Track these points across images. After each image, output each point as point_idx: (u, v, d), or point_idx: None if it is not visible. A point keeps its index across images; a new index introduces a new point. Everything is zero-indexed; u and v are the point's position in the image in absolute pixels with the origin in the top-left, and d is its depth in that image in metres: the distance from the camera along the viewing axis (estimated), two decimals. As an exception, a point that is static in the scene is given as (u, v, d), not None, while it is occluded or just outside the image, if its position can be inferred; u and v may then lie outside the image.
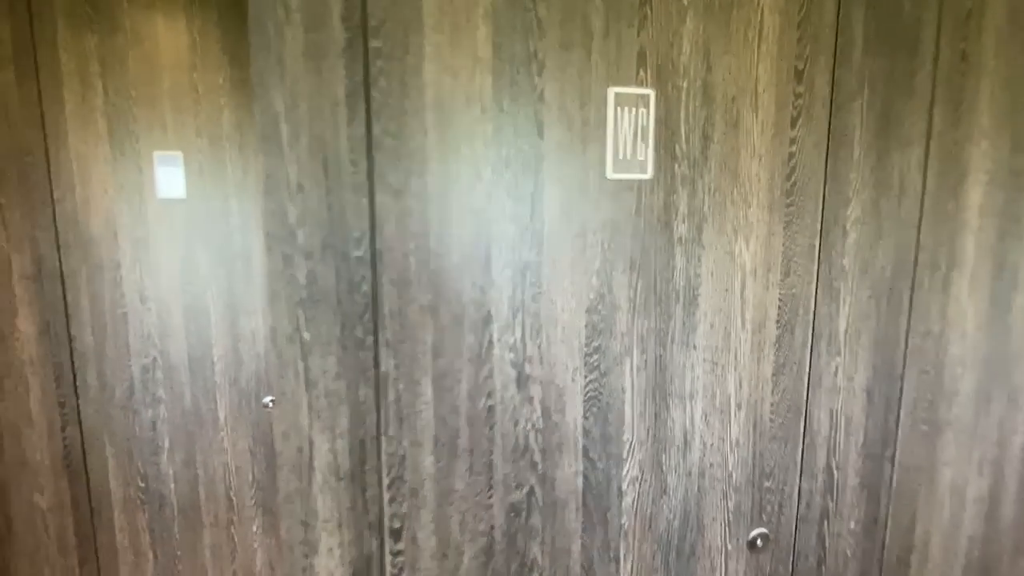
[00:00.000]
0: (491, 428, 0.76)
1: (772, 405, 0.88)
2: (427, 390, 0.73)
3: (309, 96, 0.64)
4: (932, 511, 1.00)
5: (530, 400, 0.78)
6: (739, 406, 0.87)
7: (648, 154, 0.76)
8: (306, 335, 0.68)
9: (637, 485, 0.84)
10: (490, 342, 0.75)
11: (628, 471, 0.84)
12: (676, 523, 0.87)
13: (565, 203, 0.75)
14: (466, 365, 0.74)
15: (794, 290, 0.86)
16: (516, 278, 0.75)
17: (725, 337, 0.84)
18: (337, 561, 0.73)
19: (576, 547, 0.83)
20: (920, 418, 0.96)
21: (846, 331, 0.90)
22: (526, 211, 0.73)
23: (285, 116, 0.64)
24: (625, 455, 0.83)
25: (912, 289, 0.92)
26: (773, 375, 0.88)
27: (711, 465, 0.87)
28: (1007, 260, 0.95)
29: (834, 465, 0.94)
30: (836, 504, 0.96)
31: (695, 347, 0.83)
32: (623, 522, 0.84)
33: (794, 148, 0.83)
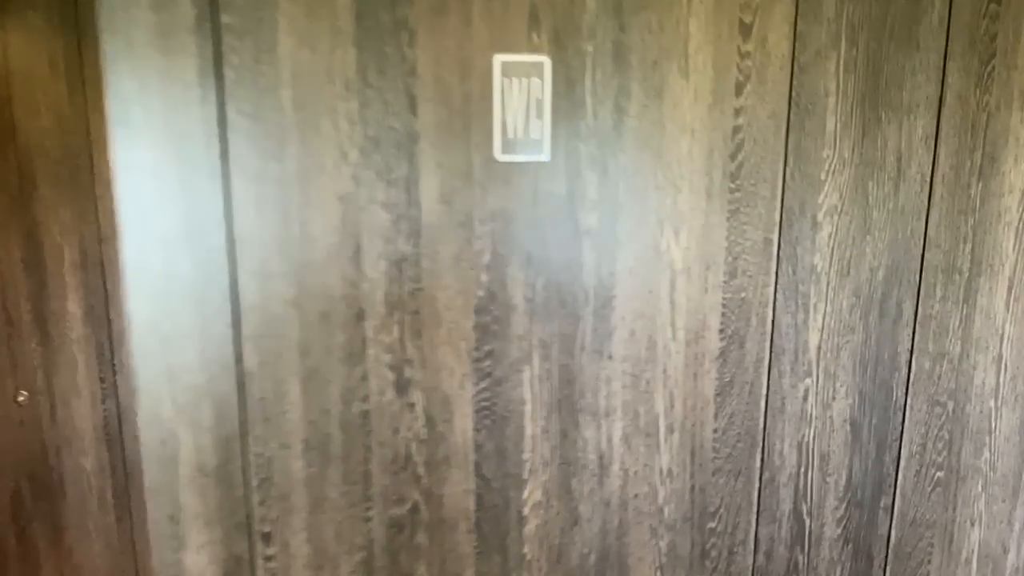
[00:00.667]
0: (367, 435, 0.70)
1: (716, 432, 0.74)
2: (294, 390, 0.69)
3: (160, 77, 0.62)
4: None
5: (411, 407, 0.70)
6: (671, 429, 0.73)
7: (545, 132, 0.66)
8: (166, 326, 0.66)
9: (542, 511, 0.74)
10: (363, 341, 0.69)
11: (530, 494, 0.73)
12: (593, 559, 0.76)
13: (446, 189, 0.67)
14: (337, 365, 0.69)
15: (743, 294, 0.71)
16: (392, 272, 0.68)
17: (650, 347, 0.71)
18: (207, 559, 0.70)
19: (470, 573, 0.74)
20: (932, 461, 0.76)
21: (819, 347, 0.73)
22: (401, 198, 0.66)
23: (137, 99, 0.62)
24: (525, 476, 0.73)
25: (917, 298, 0.72)
26: (716, 395, 0.73)
27: (635, 496, 0.75)
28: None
29: (804, 510, 0.77)
30: (808, 558, 0.78)
31: (611, 357, 0.71)
32: (525, 551, 0.74)
33: (741, 120, 0.68)
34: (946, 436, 0.76)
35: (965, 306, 0.73)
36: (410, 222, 0.67)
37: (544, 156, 0.66)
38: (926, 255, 0.71)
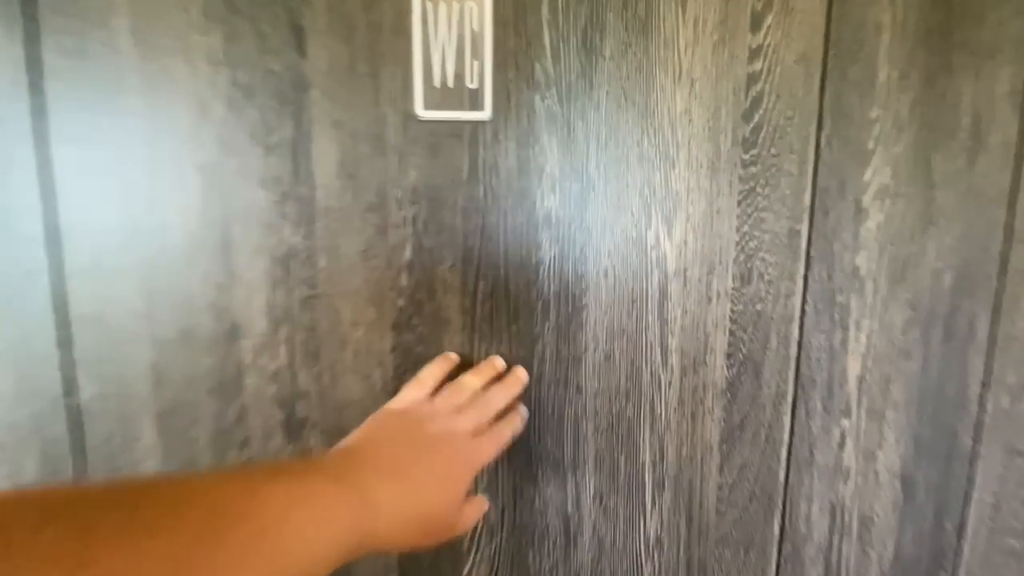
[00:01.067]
0: (249, 492, 0.52)
1: (721, 489, 0.55)
2: (148, 432, 0.51)
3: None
4: None
5: (309, 452, 0.52)
6: (660, 486, 0.55)
7: (485, 80, 0.47)
8: (-34, 343, 0.48)
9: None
10: (239, 367, 0.50)
11: (471, 569, 0.55)
12: None
13: (348, 158, 0.48)
14: (205, 399, 0.51)
15: (759, 306, 0.52)
16: (276, 271, 0.49)
17: (633, 377, 0.53)
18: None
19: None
20: (1007, 528, 0.57)
21: (861, 378, 0.54)
22: (285, 168, 0.48)
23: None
24: (465, 548, 0.54)
25: (997, 312, 0.54)
26: (722, 442, 0.54)
27: (613, 574, 0.56)
28: None
29: None
30: None
31: (579, 390, 0.53)
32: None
33: (759, 66, 0.49)
34: None
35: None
36: (299, 203, 0.49)
37: (485, 113, 0.48)
38: (1011, 255, 0.52)
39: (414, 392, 0.45)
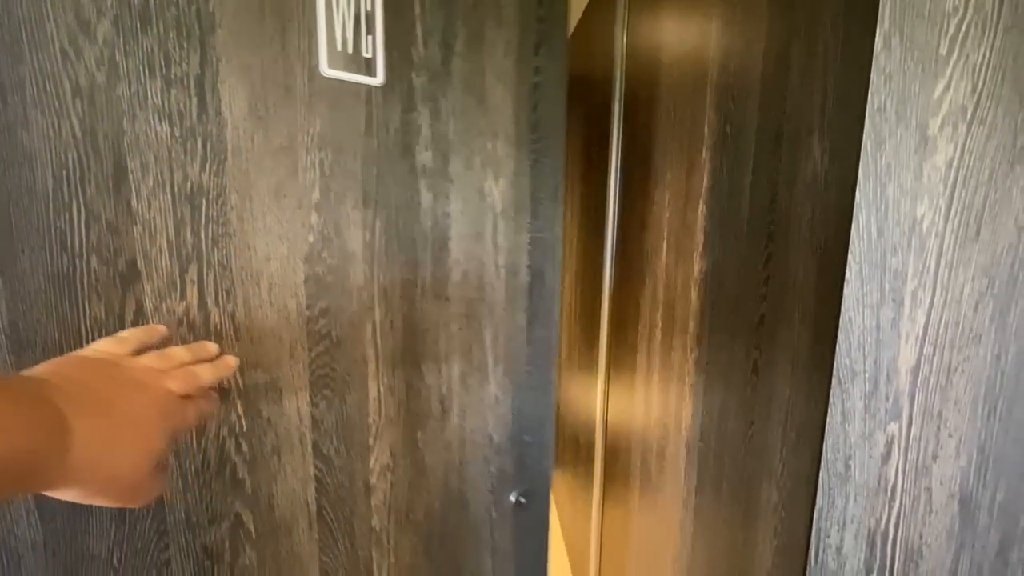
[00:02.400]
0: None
1: (527, 357, 0.84)
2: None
3: None
4: None
5: (223, 394, 0.53)
6: (496, 361, 0.79)
7: (377, 51, 0.59)
8: None
9: (389, 475, 0.68)
10: (141, 312, 0.47)
11: (376, 460, 0.67)
12: (437, 505, 0.75)
13: (258, 99, 0.51)
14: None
15: (542, 234, 0.82)
16: (183, 210, 0.48)
17: (480, 288, 0.75)
18: None
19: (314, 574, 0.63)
20: None
21: (917, 369, 0.45)
22: (190, 103, 0.47)
23: None
24: (372, 442, 0.66)
25: None
26: (528, 324, 0.83)
27: (472, 431, 0.78)
28: None
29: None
30: None
31: (447, 299, 0.71)
32: (375, 524, 0.68)
33: (540, 79, 0.76)
34: None
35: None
36: (208, 141, 0.49)
37: (377, 80, 0.59)
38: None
39: (111, 345, 0.39)
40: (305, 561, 0.62)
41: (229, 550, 0.55)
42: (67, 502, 0.39)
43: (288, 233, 0.55)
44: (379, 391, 0.66)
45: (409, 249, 0.66)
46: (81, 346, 0.43)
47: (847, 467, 0.45)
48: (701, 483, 0.80)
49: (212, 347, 0.43)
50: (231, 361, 0.43)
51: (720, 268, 0.73)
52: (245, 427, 0.55)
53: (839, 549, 0.46)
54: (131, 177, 0.45)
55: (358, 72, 0.57)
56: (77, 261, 0.43)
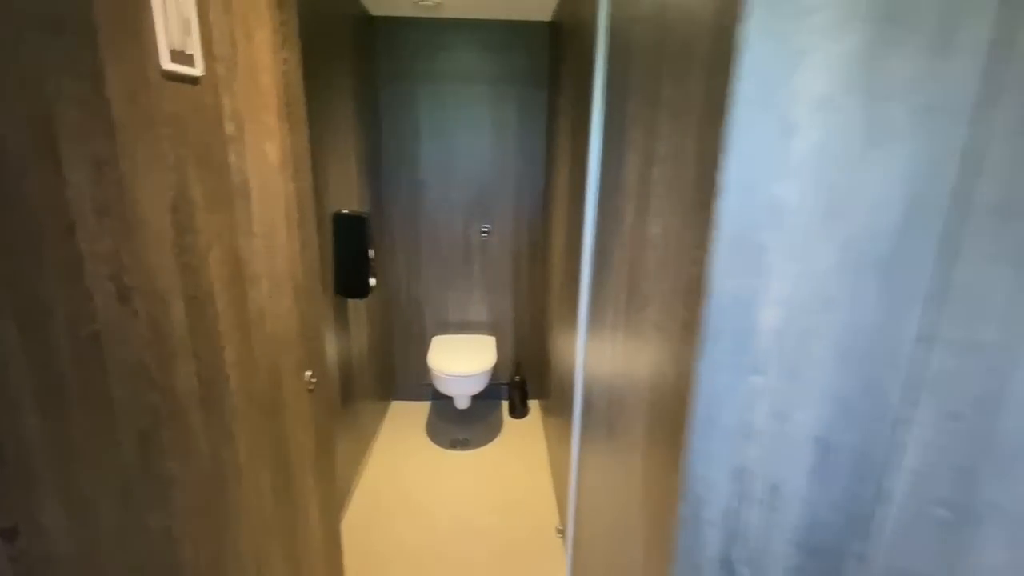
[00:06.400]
0: (100, 353, 0.65)
1: (304, 272, 1.16)
2: (10, 333, 0.54)
3: None
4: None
5: (135, 315, 0.70)
6: (288, 278, 1.09)
7: (196, 48, 0.79)
8: None
9: (238, 367, 0.94)
10: (79, 257, 0.62)
11: (228, 356, 0.91)
12: (263, 375, 1.03)
13: (130, 89, 0.68)
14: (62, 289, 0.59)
15: (304, 183, 1.13)
16: (93, 174, 0.63)
17: (272, 224, 1.02)
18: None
19: (203, 441, 0.85)
20: (936, 497, 0.56)
21: (779, 331, 0.53)
22: (86, 90, 0.62)
23: None
24: (223, 343, 0.90)
25: (948, 255, 0.49)
26: (301, 249, 1.14)
27: (273, 331, 1.07)
28: None
29: (739, 558, 0.60)
30: None
31: (255, 234, 0.97)
32: (235, 403, 0.93)
33: (286, 67, 1.05)
34: (962, 462, 0.54)
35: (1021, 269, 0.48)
36: (105, 121, 0.64)
37: (198, 71, 0.79)
38: (973, 186, 0.45)
39: None
40: (196, 435, 0.84)
41: (154, 431, 0.74)
42: None
43: (159, 190, 0.73)
44: (223, 306, 0.89)
45: (227, 199, 0.89)
46: None
47: (714, 412, 0.52)
48: (645, 428, 0.80)
49: None
50: None
51: (665, 233, 0.72)
52: (151, 337, 0.73)
53: (707, 481, 0.53)
54: (63, 151, 0.58)
55: (187, 65, 0.77)
56: (39, 215, 0.56)
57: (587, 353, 1.38)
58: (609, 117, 1.09)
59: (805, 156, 0.47)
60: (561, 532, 2.04)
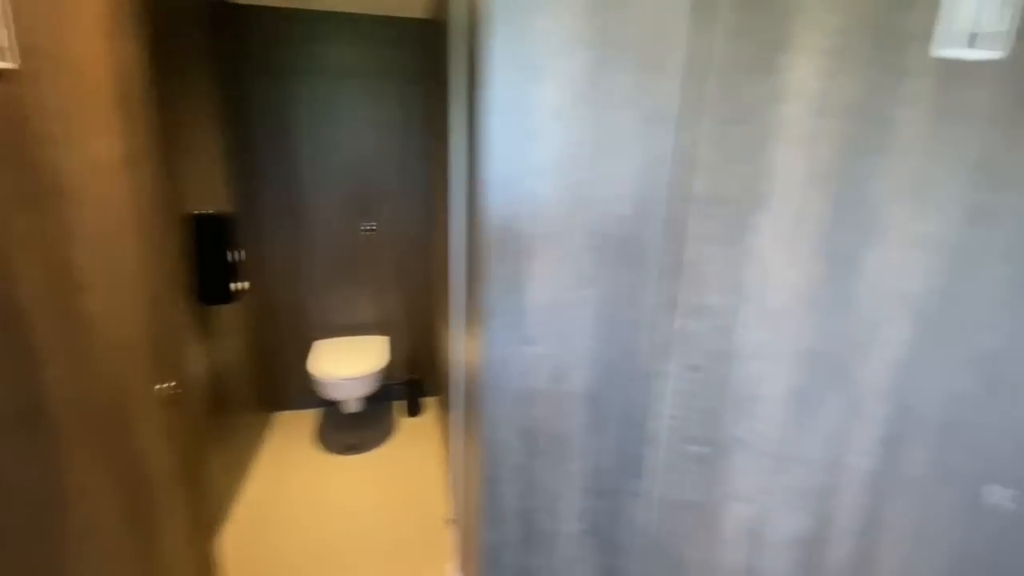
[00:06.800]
0: None
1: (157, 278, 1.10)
2: None
3: None
4: (716, 556, 0.70)
5: None
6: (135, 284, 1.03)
7: (5, 40, 0.73)
8: None
9: (68, 383, 0.87)
10: None
11: (51, 373, 0.85)
12: (108, 399, 0.97)
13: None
14: None
15: (149, 182, 1.07)
16: None
17: (110, 227, 0.96)
18: None
19: (20, 474, 0.79)
20: (690, 436, 0.65)
21: (547, 306, 0.63)
22: None
23: None
24: (44, 356, 0.83)
25: (673, 238, 0.58)
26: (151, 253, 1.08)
27: (124, 341, 1.01)
28: (850, 179, 0.59)
29: (536, 507, 0.68)
30: (547, 560, 0.71)
31: (83, 238, 0.91)
32: (64, 422, 0.87)
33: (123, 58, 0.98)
34: (707, 405, 0.64)
35: (734, 248, 0.59)
36: None
37: (14, 64, 0.73)
38: (681, 181, 0.55)
39: None
40: (11, 457, 0.77)
41: None
42: None
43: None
44: (38, 318, 0.83)
45: (33, 202, 0.83)
46: None
47: (502, 381, 0.57)
48: (466, 406, 0.86)
49: None
50: None
51: (466, 227, 0.76)
52: None
53: (501, 442, 0.59)
54: None
55: (9, 61, 0.71)
56: None
57: (462, 344, 1.45)
58: (460, 115, 1.18)
59: (550, 157, 0.56)
60: (451, 522, 2.10)
